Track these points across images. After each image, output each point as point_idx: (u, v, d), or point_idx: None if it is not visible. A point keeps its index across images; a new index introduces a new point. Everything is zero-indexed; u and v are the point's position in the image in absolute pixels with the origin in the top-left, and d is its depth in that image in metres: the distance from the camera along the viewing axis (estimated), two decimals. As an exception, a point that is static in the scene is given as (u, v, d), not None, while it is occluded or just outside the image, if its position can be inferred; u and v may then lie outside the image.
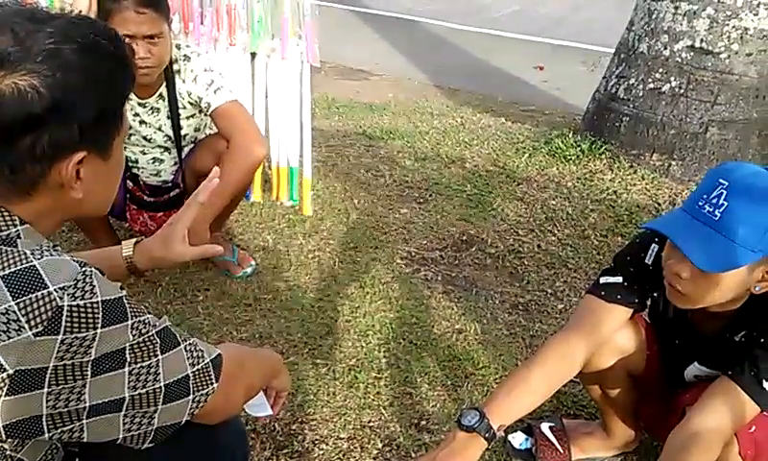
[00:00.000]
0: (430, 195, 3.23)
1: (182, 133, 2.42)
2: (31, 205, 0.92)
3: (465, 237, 2.88)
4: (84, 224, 2.51)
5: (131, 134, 2.36)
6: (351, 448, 1.83)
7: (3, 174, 0.89)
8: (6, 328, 0.82)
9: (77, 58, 0.89)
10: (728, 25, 3.27)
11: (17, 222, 0.91)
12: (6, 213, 0.90)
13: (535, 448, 1.82)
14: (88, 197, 0.96)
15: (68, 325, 0.84)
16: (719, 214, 1.30)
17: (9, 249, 0.86)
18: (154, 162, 2.45)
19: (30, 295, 0.83)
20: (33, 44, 0.86)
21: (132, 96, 2.31)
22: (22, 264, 0.85)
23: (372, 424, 1.91)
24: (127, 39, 2.11)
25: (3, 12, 0.90)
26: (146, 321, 0.93)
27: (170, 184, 2.49)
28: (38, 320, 0.83)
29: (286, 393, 1.33)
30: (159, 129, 2.39)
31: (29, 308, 0.83)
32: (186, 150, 2.48)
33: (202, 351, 1.01)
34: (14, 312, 0.82)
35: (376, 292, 2.49)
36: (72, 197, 0.94)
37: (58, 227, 1.00)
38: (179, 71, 2.32)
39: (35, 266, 0.85)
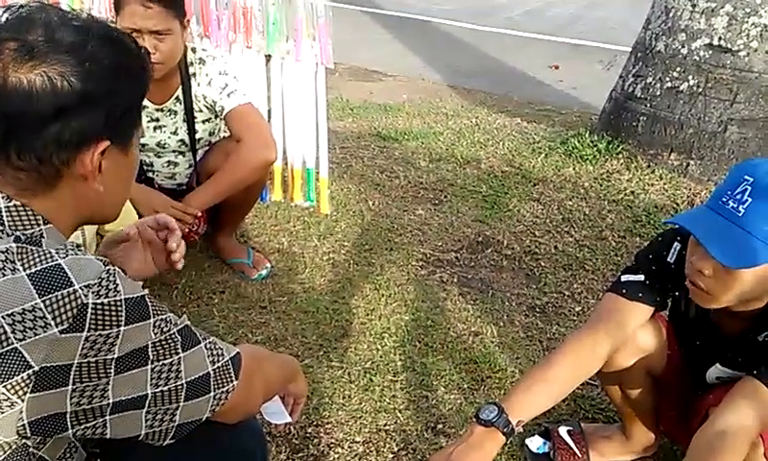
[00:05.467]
0: (445, 196, 3.21)
1: (197, 136, 2.42)
2: (52, 199, 0.95)
3: (480, 239, 2.86)
4: None
5: (144, 144, 2.36)
6: (367, 451, 1.82)
7: (30, 163, 0.91)
8: (32, 325, 0.83)
9: (103, 50, 0.93)
10: (747, 22, 3.22)
11: (41, 221, 0.93)
12: (30, 211, 0.92)
13: (553, 452, 1.80)
14: (107, 192, 0.99)
15: (93, 322, 0.85)
16: (743, 210, 1.28)
17: (34, 248, 0.88)
18: (169, 166, 2.46)
19: (56, 293, 0.84)
20: (62, 37, 0.91)
21: (149, 103, 2.31)
22: (48, 262, 0.86)
23: (387, 427, 1.90)
24: (133, 34, 2.13)
25: (33, 9, 0.94)
26: (167, 319, 0.94)
27: (185, 187, 2.49)
28: (64, 317, 0.84)
29: (304, 399, 1.33)
30: (174, 133, 2.39)
31: (55, 306, 0.84)
32: (201, 153, 2.48)
33: (221, 349, 1.02)
34: (41, 309, 0.83)
35: (392, 294, 2.47)
36: (93, 190, 0.97)
37: (74, 229, 1.02)
38: (194, 74, 2.32)
39: (60, 265, 0.86)
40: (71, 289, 0.85)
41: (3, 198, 0.92)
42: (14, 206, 0.92)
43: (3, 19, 0.93)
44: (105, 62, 0.93)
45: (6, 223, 0.91)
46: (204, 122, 2.41)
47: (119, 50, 0.96)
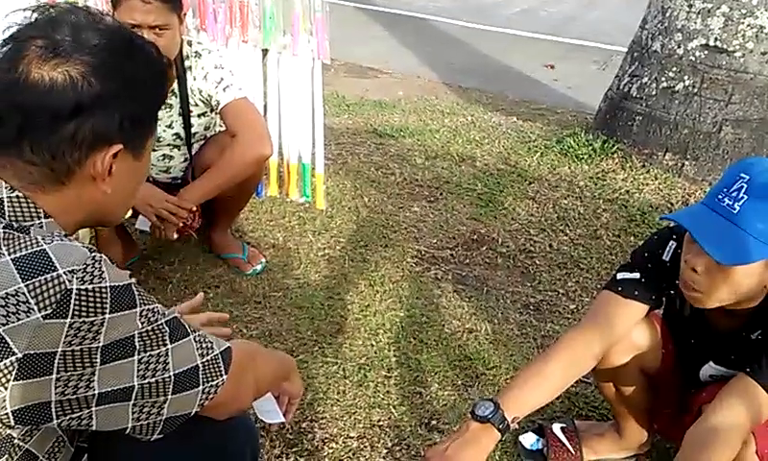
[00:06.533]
0: (441, 193, 3.21)
1: (192, 130, 2.41)
2: (60, 195, 0.95)
3: (475, 236, 2.86)
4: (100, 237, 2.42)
5: None
6: (361, 446, 1.82)
7: (43, 158, 0.92)
8: (15, 310, 0.83)
9: (124, 54, 0.96)
10: (743, 23, 3.23)
11: (42, 214, 0.93)
12: (32, 204, 0.93)
13: (546, 449, 1.80)
14: (114, 194, 0.99)
15: (77, 308, 0.84)
16: (738, 208, 1.28)
17: (21, 234, 0.88)
18: (164, 159, 2.45)
19: (39, 277, 0.84)
20: (87, 38, 0.94)
21: None
22: (33, 248, 0.86)
23: (381, 423, 1.90)
24: (131, 28, 2.12)
25: (60, 9, 0.97)
26: (155, 310, 0.93)
27: (180, 181, 2.48)
28: (47, 302, 0.83)
29: (298, 399, 1.32)
30: (169, 126, 2.38)
31: (38, 290, 0.83)
32: (196, 147, 2.47)
33: (211, 342, 1.01)
34: (24, 294, 0.83)
35: (386, 291, 2.47)
36: (101, 191, 0.97)
37: (76, 228, 1.02)
38: (190, 68, 2.31)
39: (45, 250, 0.86)
40: (55, 274, 0.84)
41: (7, 188, 0.92)
42: (17, 197, 0.92)
43: (32, 18, 0.95)
44: (126, 67, 0.95)
45: (6, 213, 0.91)
46: (199, 116, 2.40)
47: (141, 57, 0.99)
